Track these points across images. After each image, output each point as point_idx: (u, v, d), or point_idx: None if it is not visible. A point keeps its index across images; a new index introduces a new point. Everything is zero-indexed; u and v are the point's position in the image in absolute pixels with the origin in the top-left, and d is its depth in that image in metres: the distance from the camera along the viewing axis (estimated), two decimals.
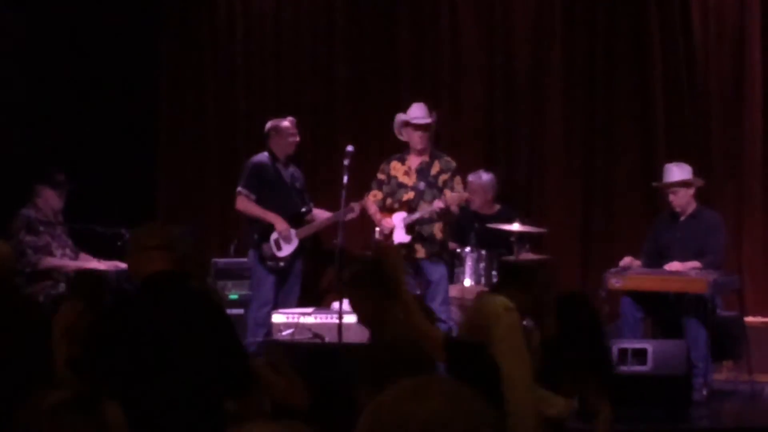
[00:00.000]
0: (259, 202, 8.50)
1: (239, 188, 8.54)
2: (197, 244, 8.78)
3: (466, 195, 8.24)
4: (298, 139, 8.68)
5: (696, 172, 8.00)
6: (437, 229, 8.16)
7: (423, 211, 8.09)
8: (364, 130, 9.36)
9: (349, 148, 8.10)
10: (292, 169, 8.71)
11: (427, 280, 8.07)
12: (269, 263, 8.43)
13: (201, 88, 9.92)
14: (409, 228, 8.12)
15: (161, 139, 9.97)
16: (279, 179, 8.59)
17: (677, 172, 7.95)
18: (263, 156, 8.62)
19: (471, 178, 8.67)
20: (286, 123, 8.64)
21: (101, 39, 9.49)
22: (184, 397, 4.10)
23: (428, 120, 8.20)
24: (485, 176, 8.83)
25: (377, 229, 8.27)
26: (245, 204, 8.53)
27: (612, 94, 9.23)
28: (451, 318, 7.92)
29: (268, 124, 8.66)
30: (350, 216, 8.32)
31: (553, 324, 5.12)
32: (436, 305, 7.63)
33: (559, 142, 9.29)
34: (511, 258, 8.18)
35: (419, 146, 8.22)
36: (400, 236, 8.12)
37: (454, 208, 8.07)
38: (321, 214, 8.68)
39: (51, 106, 9.21)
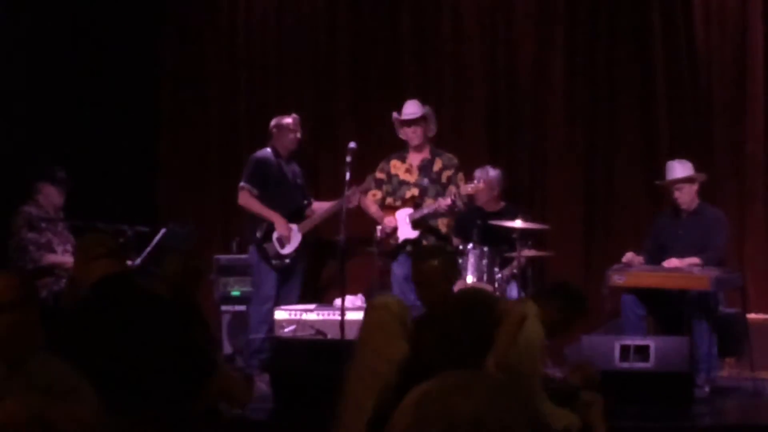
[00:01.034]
0: (262, 197, 8.49)
1: (242, 183, 8.53)
2: (192, 241, 8.76)
3: (481, 185, 8.16)
4: (300, 135, 8.67)
5: (697, 168, 7.99)
6: (441, 224, 8.15)
7: (430, 206, 8.07)
8: (365, 127, 9.34)
9: (352, 144, 8.08)
10: (293, 165, 8.71)
11: None
12: (274, 262, 8.42)
13: (202, 85, 9.90)
14: (416, 224, 8.11)
15: (162, 136, 9.95)
16: (282, 175, 8.59)
17: (680, 168, 7.92)
18: (266, 152, 8.61)
19: (478, 173, 8.51)
20: (288, 120, 8.64)
21: (102, 36, 9.48)
22: (142, 392, 4.17)
23: (417, 114, 8.17)
24: (492, 172, 8.74)
25: (378, 227, 8.26)
26: (247, 199, 8.51)
27: (614, 92, 9.21)
28: None
29: (272, 122, 8.67)
30: (352, 204, 8.24)
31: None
32: None
33: (561, 140, 9.27)
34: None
35: (414, 142, 8.20)
36: (407, 232, 8.11)
37: (461, 204, 8.05)
38: (321, 206, 8.67)
39: (52, 103, 9.20)
